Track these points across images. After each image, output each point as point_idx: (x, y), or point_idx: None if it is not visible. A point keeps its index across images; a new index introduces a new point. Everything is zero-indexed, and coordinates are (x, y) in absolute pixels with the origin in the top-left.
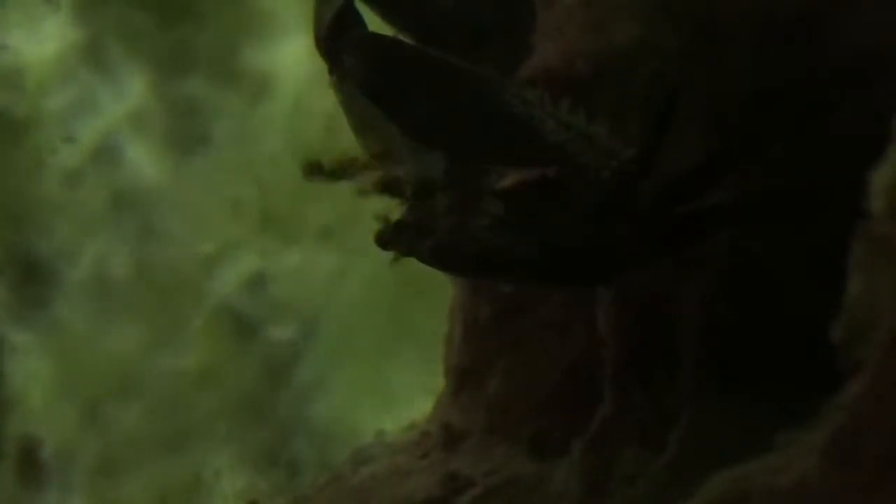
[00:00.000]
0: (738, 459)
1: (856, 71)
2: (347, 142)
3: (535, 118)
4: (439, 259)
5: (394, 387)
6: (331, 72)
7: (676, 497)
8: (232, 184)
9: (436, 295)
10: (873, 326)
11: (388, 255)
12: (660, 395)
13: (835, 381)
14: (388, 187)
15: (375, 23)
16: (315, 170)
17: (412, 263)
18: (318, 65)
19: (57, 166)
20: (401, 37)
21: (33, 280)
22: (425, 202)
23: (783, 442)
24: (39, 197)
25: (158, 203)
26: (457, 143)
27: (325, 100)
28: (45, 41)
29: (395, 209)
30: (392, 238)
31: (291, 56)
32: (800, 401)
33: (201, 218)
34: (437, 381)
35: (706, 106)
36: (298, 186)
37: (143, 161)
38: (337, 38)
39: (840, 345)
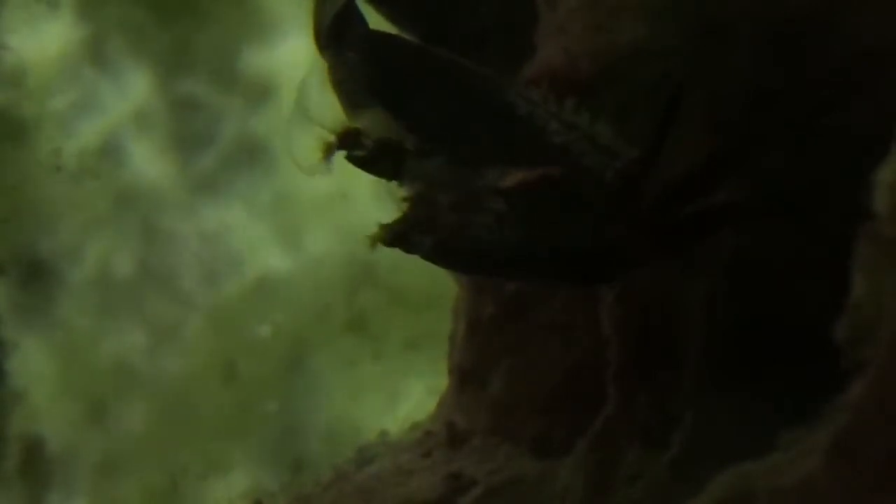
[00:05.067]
0: (742, 459)
1: (857, 71)
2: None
3: (539, 118)
4: (441, 256)
5: (397, 386)
6: (330, 70)
7: (680, 496)
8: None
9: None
10: (878, 326)
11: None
12: (663, 395)
13: (838, 381)
14: (346, 141)
15: (375, 22)
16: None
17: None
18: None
19: (60, 166)
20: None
21: (36, 279)
22: (428, 199)
23: (787, 442)
24: (42, 196)
25: (161, 202)
26: (460, 142)
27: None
28: (46, 41)
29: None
30: (394, 235)
31: (294, 55)
32: (803, 401)
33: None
34: (441, 381)
35: (708, 106)
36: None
37: (146, 160)
38: (338, 36)
39: (844, 345)
